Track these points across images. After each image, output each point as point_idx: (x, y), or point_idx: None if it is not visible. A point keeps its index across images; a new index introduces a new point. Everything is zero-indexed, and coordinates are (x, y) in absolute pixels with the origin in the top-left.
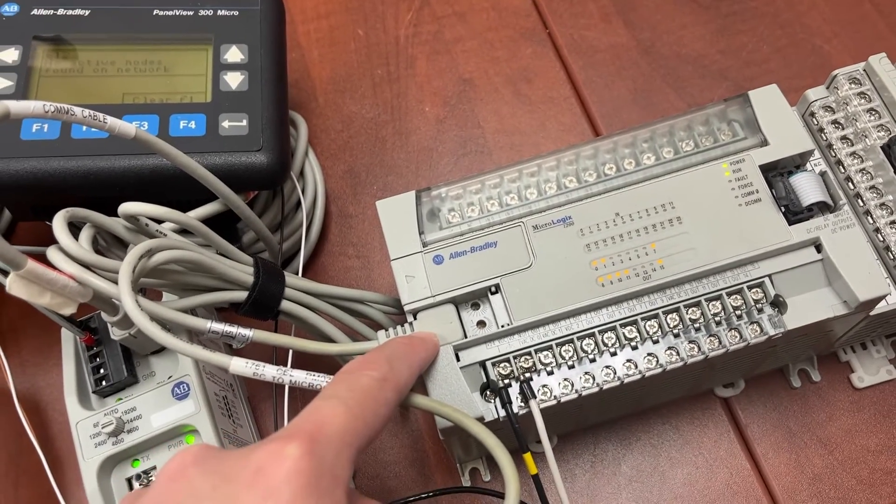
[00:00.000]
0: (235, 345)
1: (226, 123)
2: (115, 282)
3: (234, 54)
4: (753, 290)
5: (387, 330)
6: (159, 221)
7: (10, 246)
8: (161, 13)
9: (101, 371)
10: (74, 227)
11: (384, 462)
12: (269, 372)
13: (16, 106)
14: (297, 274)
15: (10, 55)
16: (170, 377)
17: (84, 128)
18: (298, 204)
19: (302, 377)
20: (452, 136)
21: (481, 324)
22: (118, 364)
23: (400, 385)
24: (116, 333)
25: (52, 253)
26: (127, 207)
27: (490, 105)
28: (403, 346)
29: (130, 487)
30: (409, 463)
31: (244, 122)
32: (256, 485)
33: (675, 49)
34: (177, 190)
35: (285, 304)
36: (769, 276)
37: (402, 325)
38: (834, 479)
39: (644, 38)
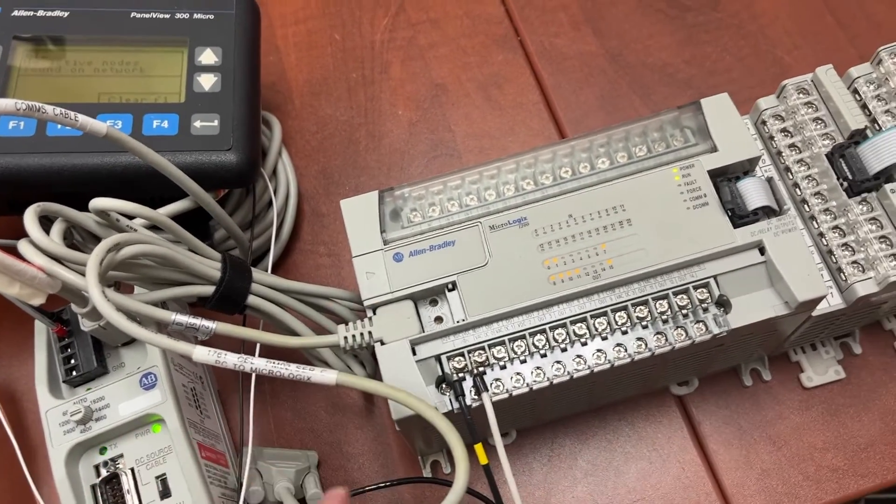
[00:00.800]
0: (200, 336)
1: (198, 123)
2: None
3: (208, 56)
4: (699, 290)
5: (346, 324)
6: (130, 217)
7: None
8: (138, 15)
9: (72, 361)
10: (49, 222)
11: (349, 454)
12: (230, 360)
13: None
14: (266, 271)
15: None
16: (139, 368)
17: (59, 126)
18: (271, 202)
19: (262, 364)
20: (424, 139)
21: (439, 319)
22: (88, 355)
23: None
24: (86, 325)
25: (22, 245)
26: (97, 203)
27: (461, 109)
28: None
29: (98, 474)
30: (373, 455)
31: (216, 123)
32: None
33: (642, 58)
34: (149, 187)
35: (252, 299)
36: (714, 276)
37: (363, 320)
38: (781, 475)
39: (612, 46)
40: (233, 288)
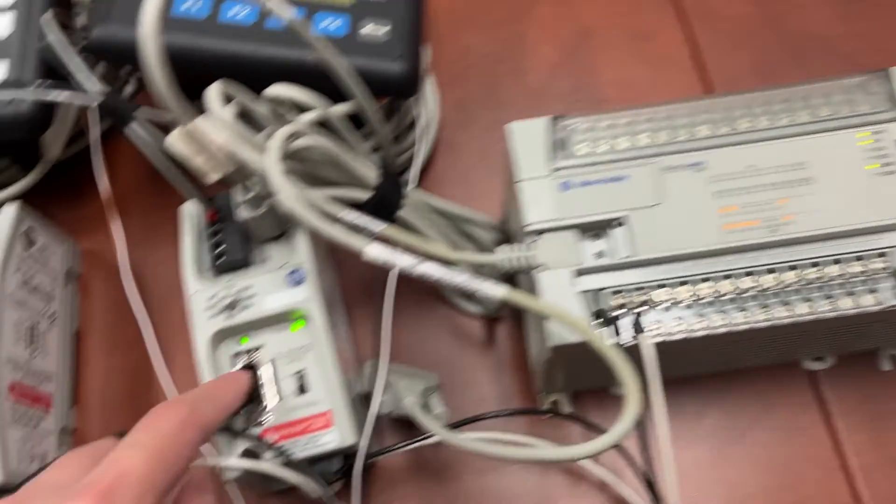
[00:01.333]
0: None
1: (367, 28)
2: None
3: None
4: (877, 259)
5: (509, 245)
6: (304, 109)
7: (184, 101)
8: None
9: (220, 248)
10: None
11: (466, 382)
12: (403, 261)
13: None
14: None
15: None
16: (285, 264)
17: (233, 11)
18: (410, 126)
19: (433, 270)
20: (566, 81)
21: (599, 254)
22: (237, 243)
23: (204, 424)
24: (244, 213)
25: (204, 120)
26: (277, 89)
27: (607, 56)
28: (209, 386)
29: (233, 365)
30: (490, 387)
31: (385, 30)
32: None
33: (803, 25)
34: (309, 87)
35: (402, 212)
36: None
37: (521, 244)
38: None
39: (772, 10)
40: (387, 197)
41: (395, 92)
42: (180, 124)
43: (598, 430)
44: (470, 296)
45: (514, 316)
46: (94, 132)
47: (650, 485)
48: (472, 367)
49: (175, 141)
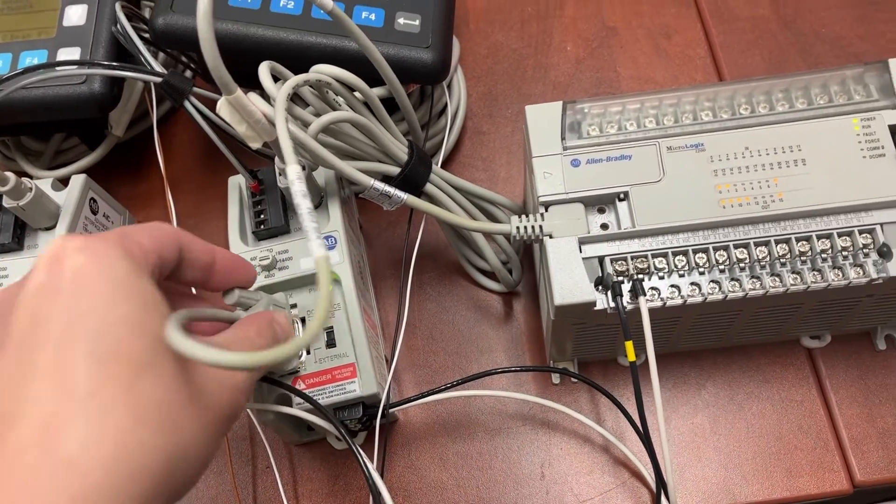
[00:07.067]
0: (388, 206)
1: (401, 20)
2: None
3: None
4: (863, 235)
5: (520, 216)
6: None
7: (227, 72)
8: None
9: (262, 216)
10: None
11: (484, 349)
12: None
13: None
14: None
15: None
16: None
17: (281, 2)
18: (441, 112)
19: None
20: (589, 76)
21: (604, 226)
22: (277, 211)
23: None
24: (284, 182)
25: (251, 95)
26: (323, 67)
27: (629, 53)
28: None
29: None
30: (505, 354)
31: (417, 22)
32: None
33: (815, 27)
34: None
35: (429, 187)
36: (881, 224)
37: (531, 215)
38: None
39: (786, 12)
40: (416, 172)
41: (425, 79)
42: (225, 94)
43: (602, 392)
44: (490, 274)
45: (531, 293)
46: (155, 112)
47: (646, 442)
48: (488, 337)
49: (222, 110)
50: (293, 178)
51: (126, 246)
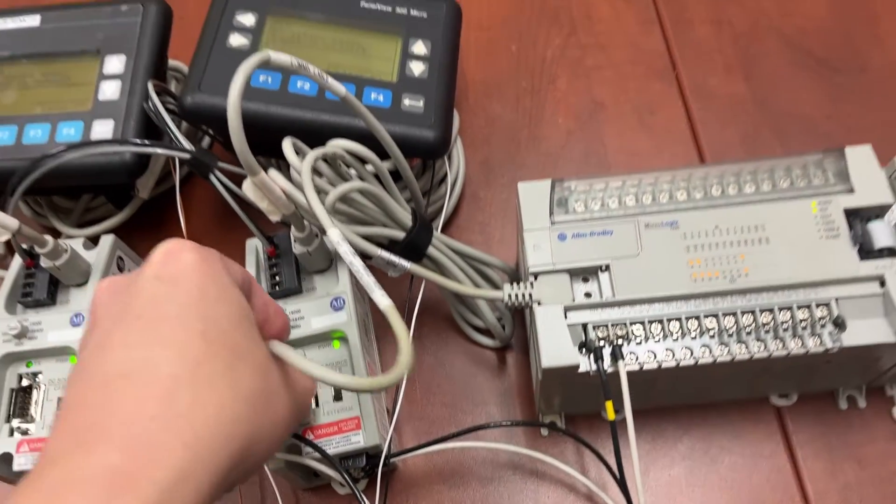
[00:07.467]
0: (393, 272)
1: (406, 102)
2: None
3: (419, 48)
4: (820, 307)
5: (511, 284)
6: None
7: (252, 157)
8: (366, 5)
9: (277, 278)
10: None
11: (477, 401)
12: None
13: (275, 55)
14: None
15: (249, 20)
16: (329, 293)
17: (298, 84)
18: (442, 180)
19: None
20: (578, 147)
21: (587, 294)
22: (291, 274)
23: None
24: (297, 248)
25: (271, 172)
26: (339, 142)
27: (615, 127)
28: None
29: None
30: (497, 407)
31: (421, 103)
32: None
33: (787, 107)
34: None
35: (431, 251)
36: (836, 299)
37: (522, 283)
38: (862, 492)
39: (760, 92)
40: (419, 237)
41: (428, 154)
42: (250, 175)
43: (586, 445)
44: (484, 330)
45: (523, 347)
46: (178, 178)
47: (625, 492)
48: (482, 390)
49: (247, 189)
50: (338, 240)
51: (225, 263)
